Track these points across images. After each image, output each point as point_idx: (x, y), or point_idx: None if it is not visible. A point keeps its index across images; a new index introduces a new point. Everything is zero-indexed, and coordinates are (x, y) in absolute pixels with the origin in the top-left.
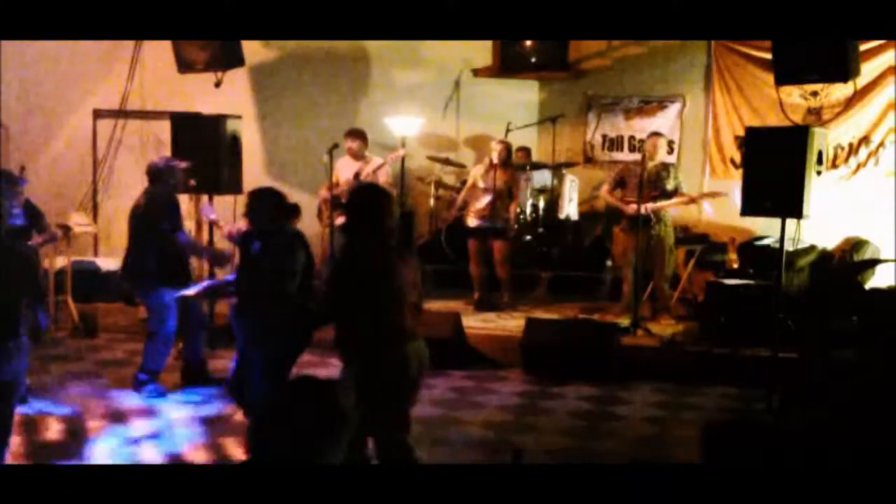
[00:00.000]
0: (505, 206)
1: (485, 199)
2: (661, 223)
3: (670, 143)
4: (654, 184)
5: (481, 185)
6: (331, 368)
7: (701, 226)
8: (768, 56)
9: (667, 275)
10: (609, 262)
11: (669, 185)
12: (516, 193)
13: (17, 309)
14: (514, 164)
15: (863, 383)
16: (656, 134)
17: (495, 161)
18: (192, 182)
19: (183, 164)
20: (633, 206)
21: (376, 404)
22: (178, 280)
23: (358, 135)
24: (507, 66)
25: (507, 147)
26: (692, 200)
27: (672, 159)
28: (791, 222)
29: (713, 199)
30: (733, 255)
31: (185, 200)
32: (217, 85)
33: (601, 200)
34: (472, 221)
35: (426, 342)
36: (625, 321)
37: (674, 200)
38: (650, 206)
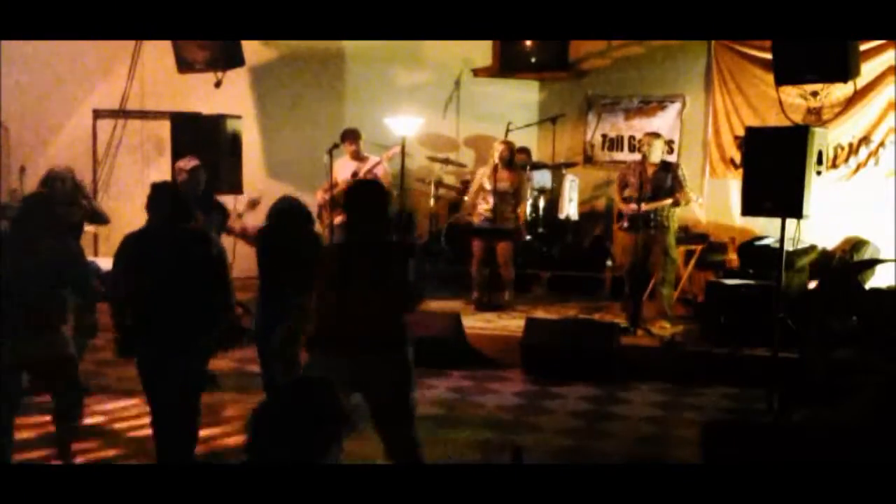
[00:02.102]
0: (511, 208)
1: (491, 201)
2: (659, 226)
3: (670, 143)
4: (653, 184)
5: (488, 186)
6: None
7: (701, 226)
8: (768, 56)
9: (667, 279)
10: (609, 262)
11: (667, 185)
12: (523, 194)
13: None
14: (517, 164)
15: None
16: (650, 134)
17: (497, 162)
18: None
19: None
20: (630, 206)
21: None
22: None
23: (355, 135)
24: (507, 66)
25: (510, 147)
26: (676, 203)
27: (672, 159)
28: (791, 222)
29: (694, 204)
30: (733, 255)
31: None
32: (217, 85)
33: (601, 200)
34: (478, 222)
35: (426, 342)
36: (625, 321)
37: (665, 202)
38: (644, 206)
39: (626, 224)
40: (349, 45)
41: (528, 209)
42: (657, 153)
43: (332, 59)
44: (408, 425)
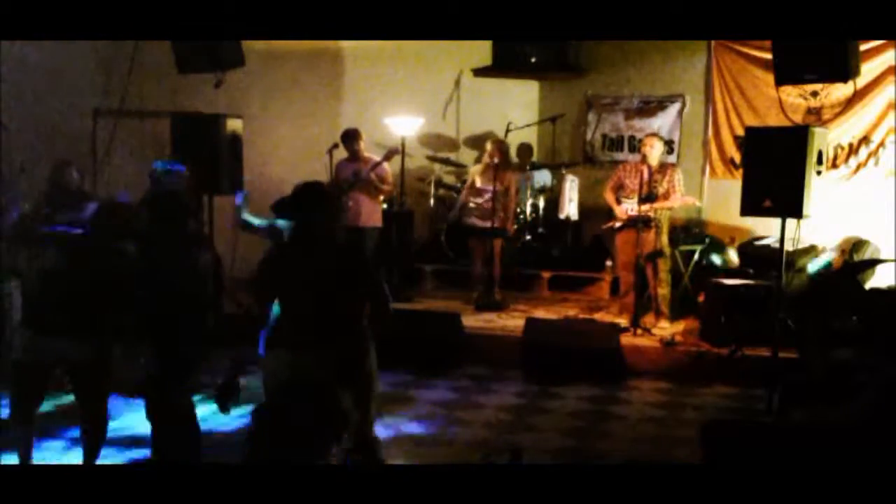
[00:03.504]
0: (502, 206)
1: (483, 199)
2: (652, 227)
3: (670, 143)
4: (649, 185)
5: (479, 184)
6: None
7: (701, 226)
8: (768, 56)
9: (664, 279)
10: (609, 262)
11: (661, 188)
12: (511, 193)
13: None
14: (513, 163)
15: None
16: (651, 135)
17: (489, 161)
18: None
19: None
20: (623, 208)
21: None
22: None
23: (355, 135)
24: (507, 66)
25: (501, 147)
26: (671, 207)
27: (673, 159)
28: (791, 222)
29: (687, 206)
30: (733, 255)
31: None
32: (217, 85)
33: (602, 200)
34: (471, 221)
35: (427, 342)
36: (624, 321)
37: (657, 204)
38: (642, 208)
39: (618, 224)
40: (349, 45)
41: (528, 209)
42: (657, 154)
43: (332, 59)
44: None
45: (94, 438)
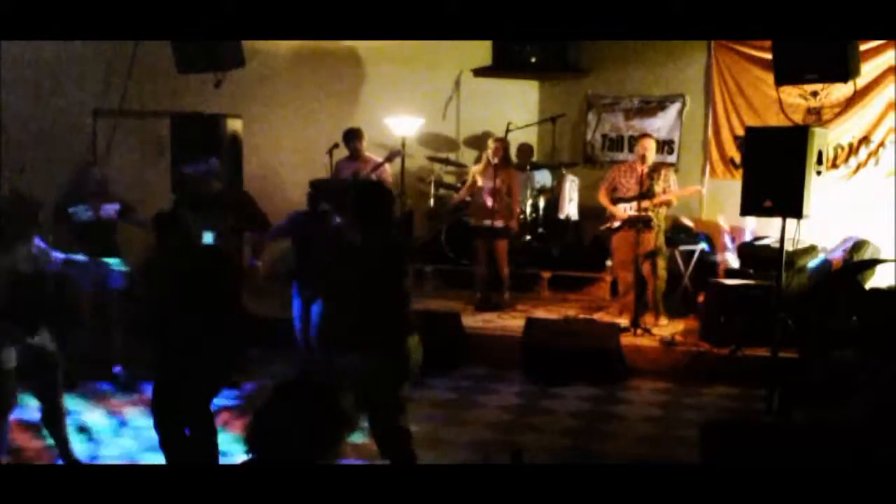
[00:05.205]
0: (505, 206)
1: (486, 199)
2: (650, 226)
3: (670, 143)
4: (644, 185)
5: (480, 183)
6: None
7: (701, 226)
8: (768, 56)
9: (662, 276)
10: (609, 262)
11: (657, 188)
12: (514, 192)
13: None
14: (514, 163)
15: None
16: (646, 135)
17: (492, 160)
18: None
19: None
20: (620, 208)
21: (381, 392)
22: None
23: (358, 135)
24: (507, 66)
25: (504, 146)
26: (668, 203)
27: (673, 159)
28: (791, 222)
29: (689, 196)
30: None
31: None
32: (217, 85)
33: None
34: (475, 221)
35: (426, 342)
36: (625, 321)
37: (657, 200)
38: (635, 207)
39: (616, 224)
40: (349, 46)
41: (528, 209)
42: (652, 154)
43: (332, 59)
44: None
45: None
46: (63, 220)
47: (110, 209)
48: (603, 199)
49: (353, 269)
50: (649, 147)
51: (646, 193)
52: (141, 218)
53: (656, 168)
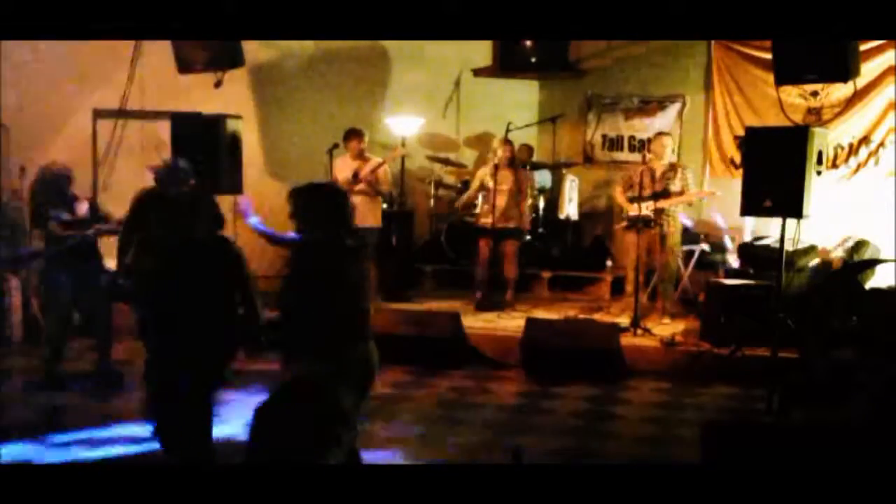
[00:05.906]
0: (517, 206)
1: (497, 201)
2: (665, 224)
3: None
4: (662, 184)
5: (490, 185)
6: None
7: (701, 226)
8: (768, 56)
9: (671, 277)
10: (609, 262)
11: (675, 186)
12: (526, 192)
13: None
14: (518, 163)
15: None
16: (662, 133)
17: (500, 163)
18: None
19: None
20: (634, 206)
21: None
22: None
23: (359, 134)
24: (507, 66)
25: (511, 147)
26: (689, 202)
27: (673, 159)
28: (791, 222)
29: (709, 199)
30: (732, 255)
31: None
32: (217, 85)
33: (602, 200)
34: (484, 222)
35: (427, 342)
36: (624, 321)
37: (672, 200)
38: (652, 205)
39: (629, 223)
40: (349, 45)
41: (529, 209)
42: (668, 152)
43: (332, 59)
44: None
45: None
46: (44, 224)
47: (83, 207)
48: (619, 197)
49: (290, 272)
50: (665, 144)
51: (661, 193)
52: (111, 224)
53: (673, 167)
